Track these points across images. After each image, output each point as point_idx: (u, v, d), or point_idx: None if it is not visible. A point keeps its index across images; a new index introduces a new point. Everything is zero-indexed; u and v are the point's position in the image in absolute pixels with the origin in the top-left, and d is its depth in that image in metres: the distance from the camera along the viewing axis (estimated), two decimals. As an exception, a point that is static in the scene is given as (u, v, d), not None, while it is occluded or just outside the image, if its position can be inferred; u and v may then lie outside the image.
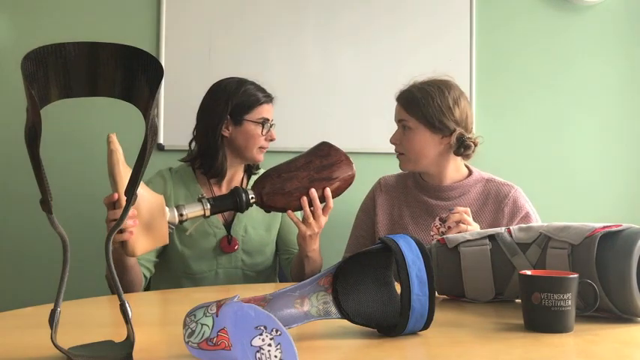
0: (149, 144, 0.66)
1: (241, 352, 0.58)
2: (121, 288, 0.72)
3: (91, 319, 0.97)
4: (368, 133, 2.35)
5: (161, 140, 2.30)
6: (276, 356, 0.57)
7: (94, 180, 2.25)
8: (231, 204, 1.40)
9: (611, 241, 0.94)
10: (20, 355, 0.73)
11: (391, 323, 0.82)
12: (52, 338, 0.68)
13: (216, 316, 0.67)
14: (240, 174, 1.81)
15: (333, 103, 2.37)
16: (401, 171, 1.74)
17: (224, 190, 1.77)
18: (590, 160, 2.53)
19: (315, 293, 0.83)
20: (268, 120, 1.75)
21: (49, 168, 0.64)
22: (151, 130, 0.66)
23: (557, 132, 2.52)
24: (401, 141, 1.61)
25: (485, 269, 1.09)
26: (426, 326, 0.82)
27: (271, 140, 1.77)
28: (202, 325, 0.67)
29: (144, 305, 1.04)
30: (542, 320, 0.86)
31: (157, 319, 0.96)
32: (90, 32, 2.22)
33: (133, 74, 0.67)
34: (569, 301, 0.85)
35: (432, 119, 1.56)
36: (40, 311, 0.97)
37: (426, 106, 1.57)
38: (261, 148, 1.75)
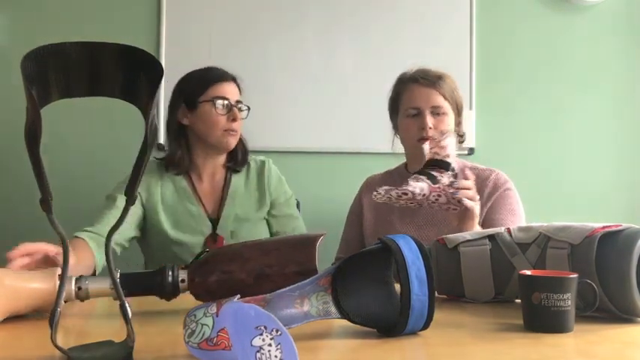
0: (149, 144, 0.66)
1: (241, 352, 0.58)
2: (120, 289, 0.72)
3: (91, 319, 0.97)
4: (369, 133, 2.35)
5: (161, 140, 2.30)
6: (276, 356, 0.57)
7: (94, 180, 2.25)
8: (152, 287, 0.96)
9: (611, 241, 0.94)
10: (20, 355, 0.73)
11: (391, 323, 0.82)
12: (52, 338, 0.68)
13: (216, 316, 0.67)
14: (220, 170, 1.74)
15: (333, 103, 2.37)
16: (386, 169, 1.76)
17: (205, 185, 1.72)
18: (590, 160, 2.53)
19: (315, 293, 0.83)
20: (225, 98, 1.64)
21: (49, 168, 0.63)
22: (151, 130, 0.66)
23: (557, 131, 2.52)
24: (435, 126, 1.56)
25: (485, 269, 1.09)
26: (425, 326, 0.82)
27: (234, 120, 1.64)
28: (202, 325, 0.67)
29: (144, 305, 1.04)
30: (542, 320, 0.86)
31: (157, 319, 0.96)
32: (90, 32, 2.22)
33: (133, 74, 0.67)
34: (568, 301, 0.85)
35: (459, 105, 1.61)
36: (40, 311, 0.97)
37: (455, 91, 1.60)
38: (226, 130, 1.64)
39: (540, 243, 1.04)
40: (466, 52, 2.45)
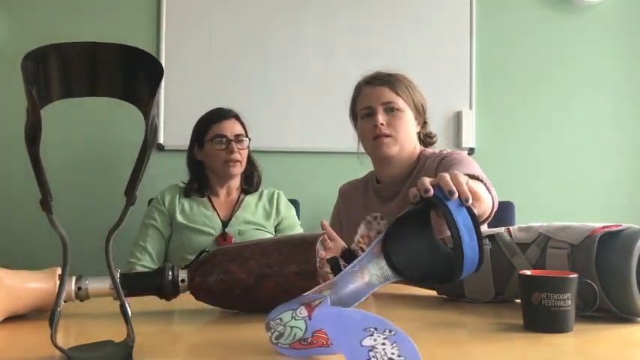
0: (149, 144, 0.66)
1: (351, 352, 0.60)
2: (120, 289, 0.72)
3: (91, 319, 0.96)
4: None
5: (161, 140, 2.31)
6: (393, 353, 0.58)
7: (94, 180, 2.25)
8: (152, 287, 0.96)
9: (611, 241, 0.94)
10: (20, 355, 0.73)
11: (442, 272, 0.86)
12: (52, 338, 0.68)
13: (309, 319, 0.68)
14: (235, 192, 1.99)
15: (333, 104, 2.37)
16: (357, 177, 1.74)
17: (221, 199, 1.97)
18: (591, 161, 2.53)
19: (372, 262, 0.86)
20: (224, 136, 1.89)
21: (49, 168, 0.63)
22: (151, 130, 0.66)
23: (557, 131, 2.52)
24: (389, 123, 1.53)
25: (485, 269, 1.09)
26: (477, 268, 0.86)
27: (231, 152, 1.87)
28: (292, 327, 0.68)
29: (144, 305, 1.04)
30: (542, 320, 0.86)
31: (156, 319, 0.96)
32: (90, 32, 2.22)
33: (133, 74, 0.67)
34: (568, 301, 0.85)
35: (417, 103, 1.57)
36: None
37: (412, 90, 1.57)
38: (226, 162, 1.89)
39: (540, 243, 1.04)
40: (466, 52, 2.45)
